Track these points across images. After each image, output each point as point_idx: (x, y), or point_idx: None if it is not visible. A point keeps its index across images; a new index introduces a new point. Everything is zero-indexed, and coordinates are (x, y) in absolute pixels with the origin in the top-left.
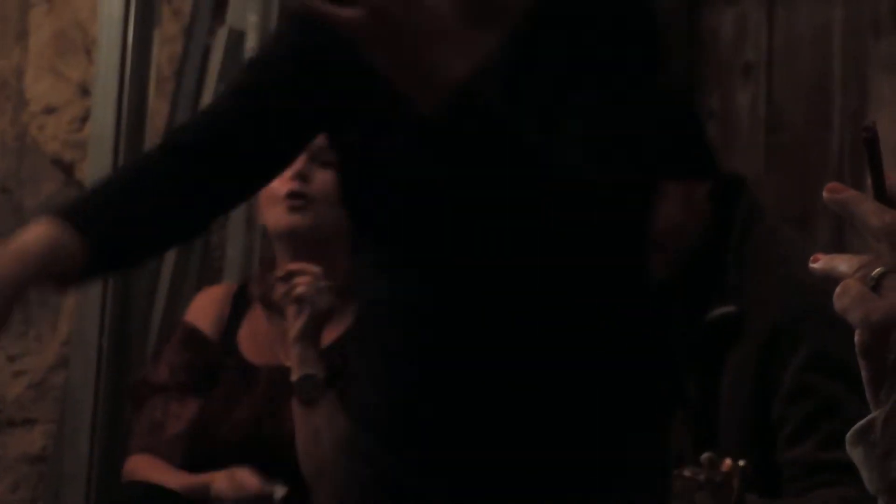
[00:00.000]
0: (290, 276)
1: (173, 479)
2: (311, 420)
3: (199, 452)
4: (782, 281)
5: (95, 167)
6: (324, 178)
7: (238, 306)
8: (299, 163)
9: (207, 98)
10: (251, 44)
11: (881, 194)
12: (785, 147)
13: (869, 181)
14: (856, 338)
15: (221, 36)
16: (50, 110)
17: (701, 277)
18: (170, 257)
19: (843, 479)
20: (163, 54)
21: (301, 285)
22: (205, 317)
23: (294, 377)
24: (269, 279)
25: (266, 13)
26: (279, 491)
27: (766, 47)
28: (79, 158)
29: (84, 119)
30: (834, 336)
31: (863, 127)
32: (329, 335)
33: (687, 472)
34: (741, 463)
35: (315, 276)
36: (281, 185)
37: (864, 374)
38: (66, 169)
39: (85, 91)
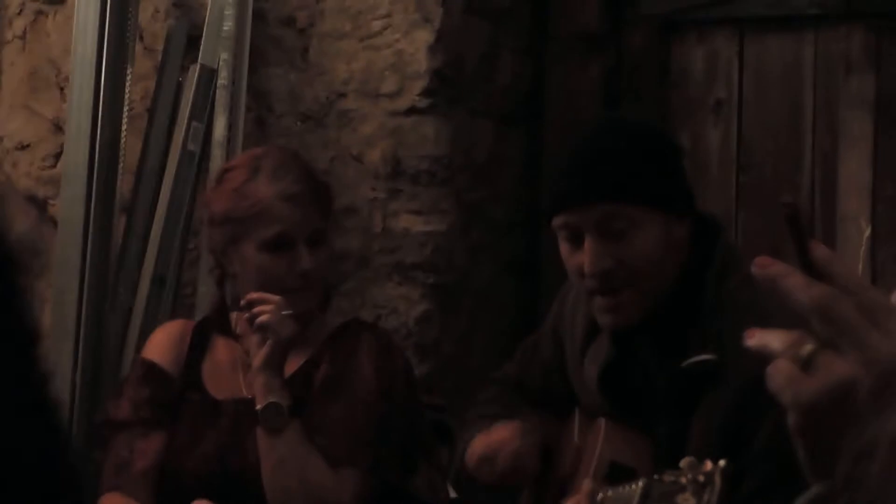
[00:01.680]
0: (252, 304)
1: None
2: (276, 448)
3: (166, 486)
4: (759, 321)
5: (69, 204)
6: (322, 259)
7: (198, 341)
8: (305, 258)
9: (179, 134)
10: (222, 80)
11: (808, 267)
12: (755, 185)
13: (796, 253)
14: (788, 419)
15: (193, 73)
16: (23, 147)
17: (678, 321)
18: (142, 295)
19: None
20: (135, 91)
21: (265, 313)
22: (163, 353)
23: (259, 405)
24: (229, 311)
25: (238, 51)
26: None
27: (737, 85)
28: (52, 195)
29: (57, 155)
30: None
31: (783, 202)
32: (292, 364)
33: (667, 477)
34: (721, 463)
35: (277, 305)
36: (283, 278)
37: (799, 452)
38: (40, 205)
39: (58, 128)
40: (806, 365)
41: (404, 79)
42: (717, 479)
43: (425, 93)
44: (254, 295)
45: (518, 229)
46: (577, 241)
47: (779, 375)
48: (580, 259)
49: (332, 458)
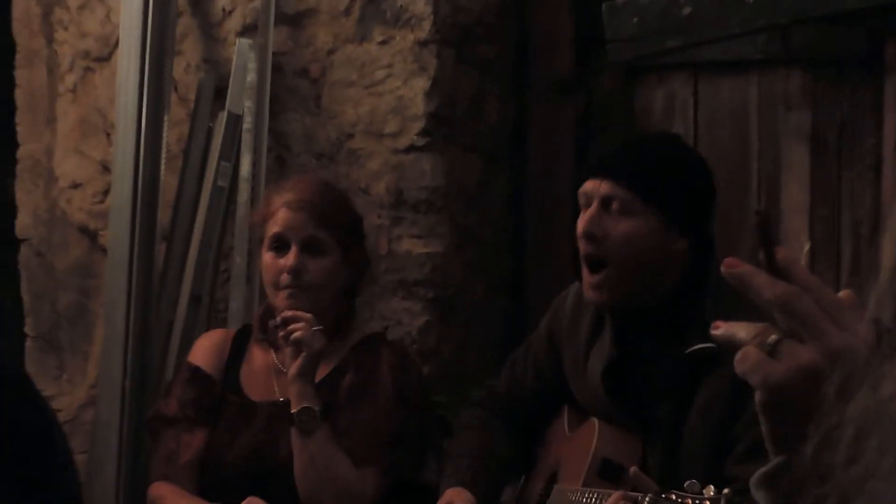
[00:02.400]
0: (286, 322)
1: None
2: (308, 447)
3: (208, 477)
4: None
5: (116, 234)
6: (315, 267)
7: (238, 348)
8: (292, 257)
9: (210, 172)
10: (246, 125)
11: (773, 267)
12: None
13: (762, 256)
14: (756, 397)
15: (221, 119)
16: (76, 185)
17: (678, 319)
18: (181, 311)
19: None
20: (171, 135)
21: (298, 330)
22: (207, 358)
23: (294, 409)
24: (267, 322)
25: (259, 99)
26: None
27: (692, 120)
28: (101, 227)
29: (106, 192)
30: None
31: (756, 212)
32: (321, 371)
33: (673, 496)
34: (726, 491)
35: (308, 322)
36: (277, 275)
37: (764, 428)
38: (91, 236)
39: (106, 168)
40: (772, 351)
41: (404, 120)
42: (723, 502)
43: (423, 132)
44: (288, 313)
45: (505, 250)
46: (586, 208)
47: (748, 360)
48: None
49: (355, 457)
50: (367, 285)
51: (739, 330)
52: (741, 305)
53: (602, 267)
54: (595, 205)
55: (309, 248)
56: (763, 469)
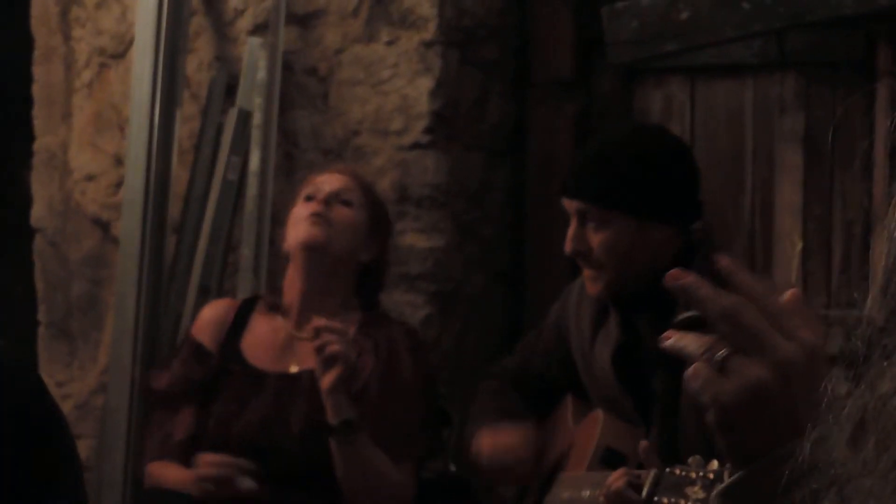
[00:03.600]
0: (318, 332)
1: (187, 478)
2: (351, 456)
3: (215, 445)
4: None
5: (128, 226)
6: (341, 213)
7: (241, 316)
8: (322, 195)
9: (221, 166)
10: (256, 122)
11: (716, 279)
12: (705, 207)
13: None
14: (708, 417)
15: (232, 115)
16: (90, 178)
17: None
18: (190, 301)
19: None
20: (183, 131)
21: (333, 343)
22: (207, 330)
23: (332, 422)
24: (277, 291)
25: (269, 96)
26: (247, 483)
27: (689, 123)
28: (114, 218)
29: (119, 185)
30: None
31: (694, 229)
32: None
33: (677, 470)
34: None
35: (341, 333)
36: (305, 213)
37: (719, 446)
38: (104, 227)
39: (119, 162)
40: (721, 368)
41: (409, 119)
42: (726, 478)
43: (427, 131)
44: (320, 322)
45: (505, 245)
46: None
47: (697, 378)
48: None
49: (392, 454)
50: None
51: (688, 343)
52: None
53: (594, 267)
54: (573, 222)
55: (337, 198)
56: (723, 485)
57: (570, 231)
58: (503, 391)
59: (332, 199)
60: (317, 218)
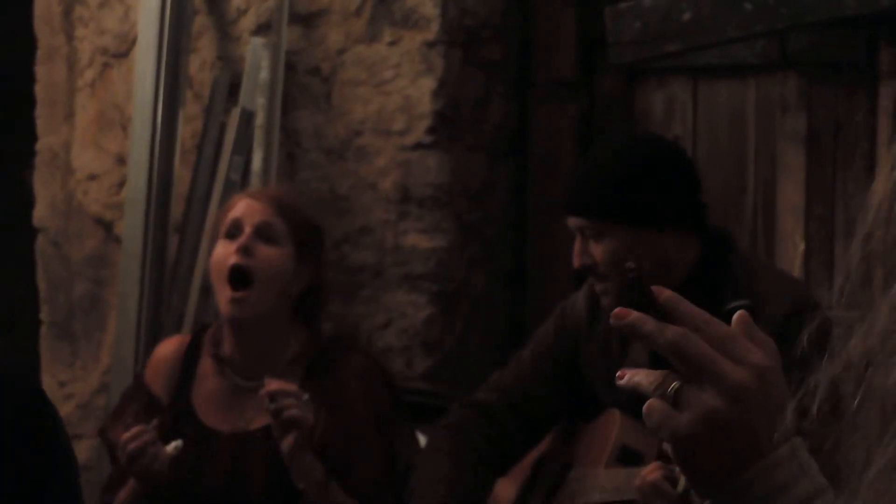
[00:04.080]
0: (274, 397)
1: (131, 483)
2: None
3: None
4: (780, 283)
5: (131, 225)
6: (266, 255)
7: (189, 363)
8: (244, 238)
9: (223, 166)
10: (259, 121)
11: (659, 314)
12: (707, 207)
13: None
14: (669, 451)
15: (235, 115)
16: (92, 177)
17: (709, 287)
18: (192, 302)
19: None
20: (186, 130)
21: (291, 408)
22: (158, 378)
23: (300, 485)
24: (218, 343)
25: (272, 96)
26: (173, 444)
27: (691, 123)
28: (117, 218)
29: (121, 185)
30: (829, 325)
31: (625, 268)
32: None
33: None
34: None
35: (297, 395)
36: (226, 257)
37: (685, 478)
38: (107, 227)
39: (122, 161)
40: (675, 401)
41: (412, 119)
42: None
43: (429, 131)
44: (274, 386)
45: (507, 245)
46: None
47: (654, 414)
48: None
49: (362, 498)
50: (368, 278)
51: (642, 378)
52: (768, 273)
53: (606, 279)
54: (578, 238)
55: (262, 233)
56: None
57: (576, 247)
58: (458, 445)
59: (255, 238)
60: (236, 293)
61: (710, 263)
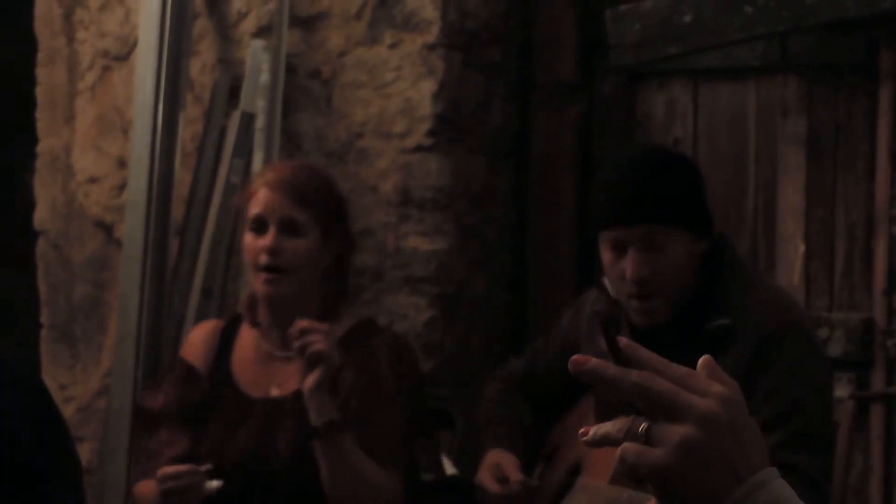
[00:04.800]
0: (303, 332)
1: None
2: (336, 458)
3: (215, 471)
4: (764, 301)
5: (131, 228)
6: (293, 248)
7: (227, 339)
8: (270, 238)
9: (223, 168)
10: (259, 124)
11: (620, 360)
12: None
13: (607, 350)
14: (652, 488)
15: (235, 118)
16: (93, 180)
17: (697, 313)
18: (193, 304)
19: (790, 481)
20: (187, 133)
21: (318, 343)
22: (197, 352)
23: (316, 423)
24: (254, 306)
25: (272, 99)
26: (214, 484)
27: (692, 126)
28: (117, 221)
29: (122, 187)
30: (808, 349)
31: (596, 312)
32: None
33: None
34: None
35: (325, 334)
36: (256, 253)
37: None
38: (107, 229)
39: (122, 164)
40: (647, 440)
41: (412, 121)
42: None
43: (430, 133)
44: (304, 323)
45: (508, 248)
46: (620, 251)
47: (628, 455)
48: (623, 267)
49: (378, 461)
50: (368, 280)
51: (608, 429)
52: (755, 283)
53: (650, 297)
54: (635, 248)
55: (286, 228)
56: None
57: (633, 260)
58: (509, 397)
59: (280, 234)
60: (269, 274)
61: (706, 273)
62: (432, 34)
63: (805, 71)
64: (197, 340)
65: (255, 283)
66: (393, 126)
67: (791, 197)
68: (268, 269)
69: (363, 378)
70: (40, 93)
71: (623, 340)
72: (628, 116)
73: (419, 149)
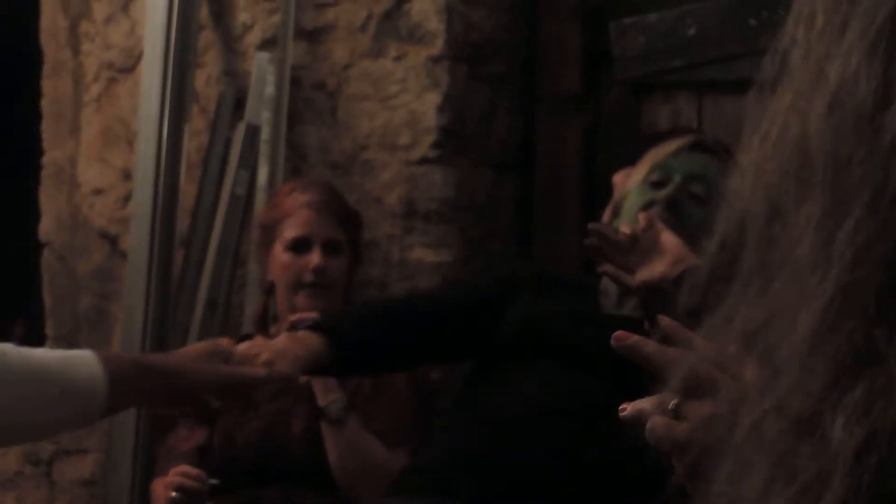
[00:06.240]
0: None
1: None
2: (342, 437)
3: (220, 456)
4: None
5: (136, 240)
6: (336, 266)
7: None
8: (318, 259)
9: (229, 180)
10: (264, 136)
11: (659, 336)
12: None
13: (647, 325)
14: (674, 463)
15: (240, 130)
16: (98, 192)
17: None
18: (197, 316)
19: None
20: (192, 145)
21: None
22: None
23: (322, 403)
24: (264, 320)
25: (277, 111)
26: (212, 482)
27: None
28: (122, 232)
29: (127, 199)
30: None
31: (642, 283)
32: None
33: None
34: None
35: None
36: (299, 274)
37: (692, 493)
38: (112, 241)
39: (127, 176)
40: (676, 414)
41: (417, 134)
42: None
43: (434, 145)
44: (297, 316)
45: (512, 260)
46: None
47: (657, 427)
48: None
49: (385, 441)
50: (373, 292)
51: (644, 404)
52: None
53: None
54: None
55: (329, 247)
56: None
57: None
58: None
59: (325, 257)
60: (314, 290)
61: None
62: (437, 46)
63: None
64: None
65: (293, 298)
66: (398, 138)
67: None
68: (314, 286)
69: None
70: (46, 105)
71: (664, 318)
72: (633, 128)
73: (424, 161)
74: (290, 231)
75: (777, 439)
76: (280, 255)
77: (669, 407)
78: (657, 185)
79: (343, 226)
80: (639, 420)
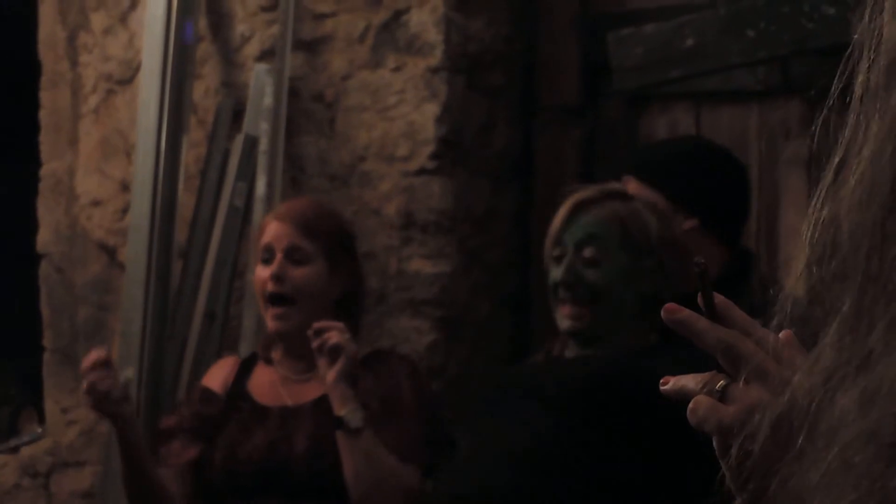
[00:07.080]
0: (320, 332)
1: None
2: (358, 447)
3: (221, 474)
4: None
5: (134, 251)
6: (297, 275)
7: (246, 367)
8: (276, 265)
9: (227, 192)
10: (262, 147)
11: (712, 314)
12: None
13: (701, 302)
14: (714, 443)
15: (238, 141)
16: (96, 203)
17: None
18: (195, 327)
19: None
20: (190, 156)
21: (334, 336)
22: (215, 380)
23: (339, 412)
24: (270, 346)
25: (276, 122)
26: (129, 373)
27: None
28: (120, 244)
29: (125, 210)
30: None
31: (694, 262)
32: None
33: None
34: None
35: (341, 329)
36: (263, 283)
37: (727, 475)
38: (110, 252)
39: (125, 187)
40: (721, 397)
41: (415, 145)
42: None
43: (433, 156)
44: (320, 323)
45: (511, 270)
46: None
47: (700, 407)
48: None
49: (398, 456)
50: (371, 303)
51: (687, 382)
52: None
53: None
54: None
55: (292, 256)
56: None
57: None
58: None
59: (286, 261)
60: (277, 309)
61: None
62: (435, 58)
63: (806, 95)
64: (215, 371)
65: (267, 320)
66: (396, 149)
67: (793, 220)
68: (273, 297)
69: (383, 385)
70: (44, 116)
71: (720, 297)
72: (631, 139)
73: (422, 172)
74: (261, 242)
75: (866, 464)
76: (256, 268)
77: (716, 388)
78: (558, 259)
79: (310, 235)
80: (681, 396)
